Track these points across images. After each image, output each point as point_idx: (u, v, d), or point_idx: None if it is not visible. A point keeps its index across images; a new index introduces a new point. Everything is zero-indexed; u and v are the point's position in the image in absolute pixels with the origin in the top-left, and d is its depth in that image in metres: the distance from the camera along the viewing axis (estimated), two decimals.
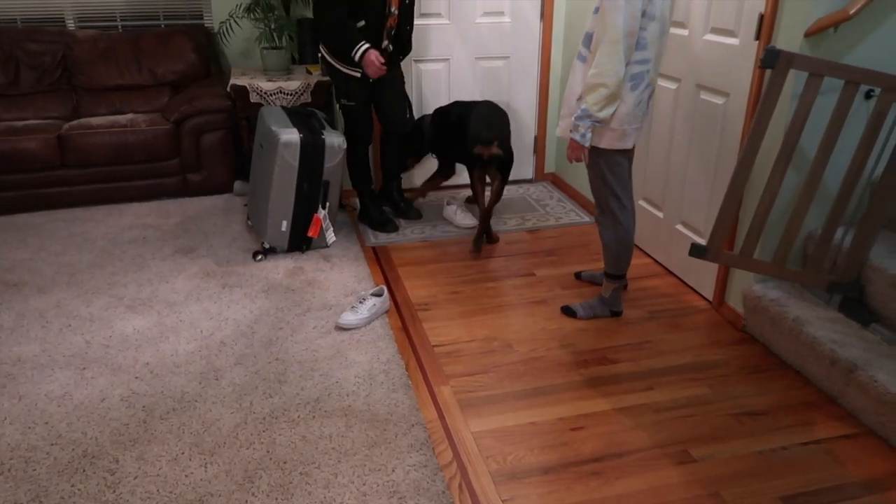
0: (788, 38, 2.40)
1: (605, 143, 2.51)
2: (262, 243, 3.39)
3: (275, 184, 3.24)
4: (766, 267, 2.47)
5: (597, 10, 2.39)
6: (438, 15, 3.97)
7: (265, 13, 4.21)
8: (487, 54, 4.13)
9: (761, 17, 2.50)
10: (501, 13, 4.07)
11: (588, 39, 2.45)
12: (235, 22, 4.35)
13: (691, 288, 3.11)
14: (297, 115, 3.40)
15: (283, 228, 3.34)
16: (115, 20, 4.67)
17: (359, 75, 3.39)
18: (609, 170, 2.58)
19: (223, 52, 4.76)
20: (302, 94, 4.12)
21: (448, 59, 4.09)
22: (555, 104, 4.34)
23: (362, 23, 3.29)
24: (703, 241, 2.96)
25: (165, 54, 4.43)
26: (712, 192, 2.91)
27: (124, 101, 4.37)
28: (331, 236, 3.31)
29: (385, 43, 3.44)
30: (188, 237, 3.64)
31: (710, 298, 2.97)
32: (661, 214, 3.30)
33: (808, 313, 2.47)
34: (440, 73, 4.10)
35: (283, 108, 3.54)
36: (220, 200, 4.16)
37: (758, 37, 2.53)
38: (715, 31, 2.78)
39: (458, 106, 3.66)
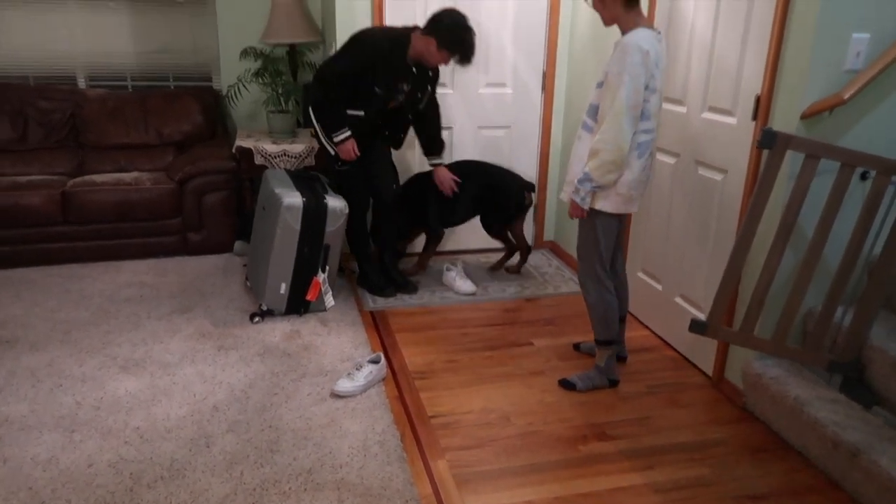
0: (784, 120, 2.46)
1: (611, 206, 2.56)
2: (260, 305, 3.38)
3: (276, 246, 3.25)
4: (766, 345, 2.46)
5: (600, 85, 2.49)
6: (443, 85, 4.06)
7: (273, 78, 4.31)
8: (489, 123, 4.22)
9: (758, 99, 2.57)
10: (504, 84, 4.17)
11: (593, 110, 2.54)
12: (244, 85, 4.45)
13: (690, 362, 3.09)
14: (301, 179, 3.44)
15: (282, 291, 3.34)
16: (126, 80, 4.78)
17: (332, 153, 3.44)
18: (603, 233, 2.63)
19: (230, 114, 4.86)
20: (306, 157, 4.18)
21: (451, 128, 4.16)
22: (554, 173, 4.40)
23: (360, 113, 3.38)
24: (702, 316, 2.96)
25: (172, 115, 4.51)
26: (710, 266, 2.92)
27: (129, 159, 4.43)
28: (329, 300, 3.30)
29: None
30: (185, 297, 3.62)
31: (710, 373, 2.94)
32: (659, 286, 3.31)
33: (809, 393, 2.44)
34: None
35: (287, 171, 3.58)
36: (219, 260, 4.16)
37: (755, 117, 2.59)
38: (713, 109, 2.85)
39: (454, 168, 3.78)
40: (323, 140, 3.49)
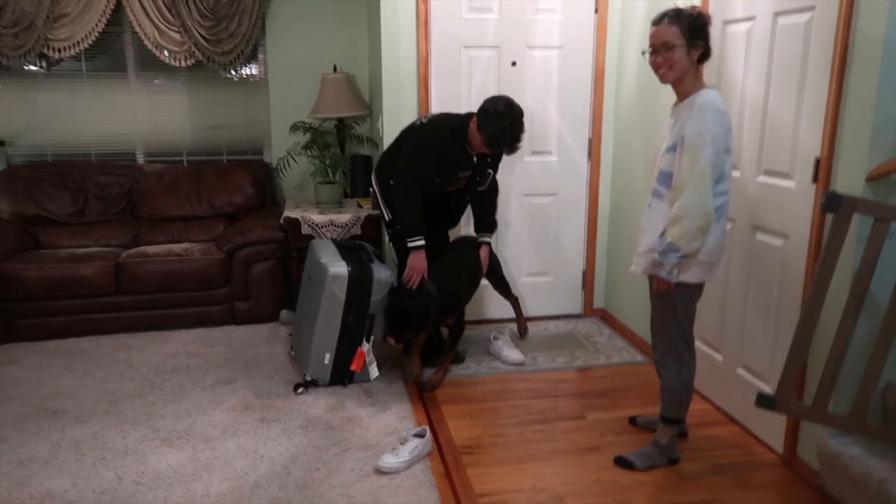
0: (847, 182, 2.35)
1: (693, 276, 2.43)
2: (304, 376, 3.32)
3: (321, 316, 3.22)
4: (843, 422, 2.27)
5: (672, 149, 2.39)
6: None
7: (321, 150, 4.40)
8: (535, 191, 4.19)
9: (818, 162, 2.47)
10: (549, 152, 4.16)
11: (665, 177, 2.43)
12: (293, 158, 4.55)
13: (757, 438, 2.88)
14: (347, 249, 3.44)
15: (326, 361, 3.28)
16: (182, 155, 4.95)
17: (388, 218, 3.44)
18: (682, 306, 2.49)
19: (279, 186, 4.96)
20: (352, 226, 4.20)
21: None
22: (602, 239, 4.31)
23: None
24: (768, 389, 2.78)
25: (224, 187, 4.63)
26: (775, 336, 2.76)
27: (182, 230, 4.53)
28: (374, 371, 3.22)
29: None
30: (230, 367, 3.60)
31: (780, 451, 2.73)
32: (719, 357, 3.14)
33: (894, 475, 2.23)
34: None
35: (334, 240, 3.59)
36: (265, 329, 4.15)
37: (815, 180, 2.49)
38: (769, 172, 2.76)
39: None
40: (380, 202, 3.48)
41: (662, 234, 2.40)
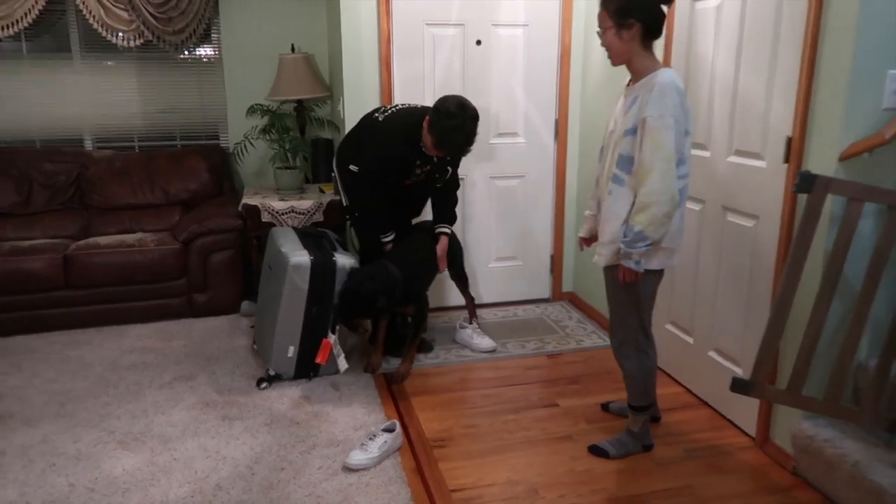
0: (820, 162, 2.30)
1: (656, 263, 2.35)
2: (267, 370, 3.20)
3: (282, 307, 3.09)
4: (818, 405, 2.25)
5: (631, 132, 2.27)
6: None
7: (280, 134, 4.23)
8: (502, 173, 4.10)
9: (789, 141, 2.42)
10: (515, 133, 4.07)
11: (625, 162, 2.30)
12: (250, 142, 4.38)
13: (730, 421, 2.86)
14: (309, 236, 3.31)
15: (290, 354, 3.16)
16: (133, 140, 4.73)
17: (346, 204, 3.36)
18: (645, 293, 2.43)
19: (237, 172, 4.78)
20: (314, 213, 4.07)
21: (463, 178, 4.04)
22: (570, 222, 4.25)
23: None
24: (740, 372, 2.75)
25: (178, 174, 4.44)
26: (746, 318, 2.73)
27: (135, 219, 4.33)
28: (342, 363, 3.11)
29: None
30: (190, 362, 3.45)
31: (753, 434, 2.72)
32: (690, 340, 3.11)
33: (868, 456, 2.22)
34: None
35: (295, 228, 3.45)
36: (225, 322, 4.00)
37: (787, 160, 2.45)
38: (739, 153, 2.71)
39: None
40: (340, 188, 3.38)
41: (626, 221, 2.30)
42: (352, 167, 3.24)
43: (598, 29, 2.31)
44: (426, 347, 3.59)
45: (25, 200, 4.23)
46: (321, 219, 4.07)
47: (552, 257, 4.29)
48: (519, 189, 4.14)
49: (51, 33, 4.49)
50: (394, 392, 3.17)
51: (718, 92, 2.80)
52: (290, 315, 3.10)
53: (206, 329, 3.90)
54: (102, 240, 3.97)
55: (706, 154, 2.91)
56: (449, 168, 3.32)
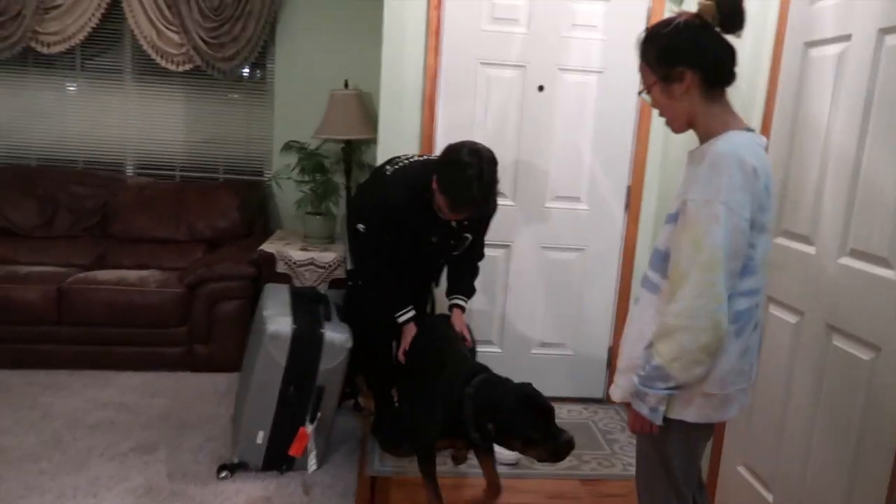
0: None
1: (694, 415, 1.58)
2: (233, 456, 2.66)
3: (254, 384, 2.56)
4: None
5: (673, 219, 1.58)
6: (502, 195, 3.35)
7: (311, 174, 3.79)
8: (557, 244, 3.44)
9: None
10: (577, 198, 3.41)
11: (660, 259, 1.61)
12: (276, 183, 3.95)
13: None
14: (303, 299, 2.78)
15: (259, 440, 2.62)
16: (175, 170, 4.46)
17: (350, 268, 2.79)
18: (680, 454, 1.66)
19: (279, 213, 4.39)
20: (335, 267, 3.57)
21: (509, 245, 3.42)
22: None
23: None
24: None
25: (207, 209, 4.09)
26: (852, 486, 1.92)
27: (153, 254, 3.99)
28: (312, 463, 2.53)
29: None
30: (159, 428, 2.98)
31: None
32: (769, 497, 2.30)
33: None
34: (497, 261, 3.43)
35: (293, 287, 2.94)
36: (224, 380, 3.52)
37: None
38: (857, 255, 1.94)
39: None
40: (348, 248, 2.89)
41: (649, 345, 1.57)
42: (359, 226, 2.71)
43: (640, 89, 1.63)
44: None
45: (47, 223, 4.00)
46: (342, 275, 3.56)
47: (610, 350, 3.54)
48: (576, 264, 3.46)
49: (105, 52, 4.33)
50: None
51: (833, 169, 2.05)
52: (262, 394, 2.57)
53: (198, 387, 3.43)
54: (102, 274, 3.62)
55: (810, 251, 2.15)
56: (468, 235, 2.71)
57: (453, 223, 2.57)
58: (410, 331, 2.68)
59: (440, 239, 2.65)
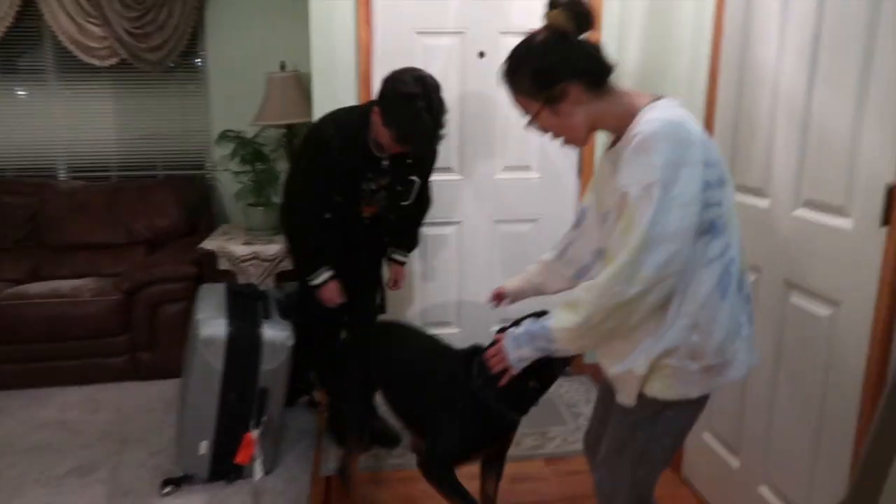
0: None
1: (699, 389, 1.46)
2: (175, 470, 2.50)
3: (191, 392, 2.40)
4: None
5: (603, 218, 1.51)
6: (448, 170, 3.21)
7: (251, 163, 3.59)
8: (509, 216, 3.30)
9: (890, 191, 1.53)
10: (527, 167, 3.26)
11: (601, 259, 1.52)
12: (229, 171, 3.74)
13: None
14: (240, 298, 2.61)
15: (202, 451, 2.46)
16: (110, 170, 4.22)
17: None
18: (674, 433, 1.55)
19: (225, 208, 4.19)
20: (281, 260, 3.38)
21: (460, 222, 3.27)
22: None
23: (328, 215, 2.55)
24: None
25: (145, 208, 3.87)
26: (816, 449, 1.82)
27: (92, 261, 3.78)
28: (257, 470, 2.37)
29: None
30: (101, 446, 2.80)
31: None
32: (735, 463, 2.20)
33: None
34: (449, 239, 3.28)
35: (229, 285, 2.76)
36: (171, 388, 3.32)
37: (886, 221, 1.55)
38: (812, 205, 1.82)
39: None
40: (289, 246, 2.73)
41: (541, 315, 1.55)
42: (293, 203, 2.55)
43: (527, 122, 1.51)
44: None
45: None
46: (289, 267, 3.38)
47: None
48: (531, 236, 3.32)
49: (24, 53, 4.06)
50: None
51: (783, 115, 1.92)
52: (201, 402, 2.40)
53: (144, 397, 3.25)
54: (34, 287, 3.40)
55: (763, 204, 2.02)
56: (415, 178, 2.57)
57: (384, 163, 2.45)
58: (328, 291, 2.55)
59: (387, 185, 2.51)
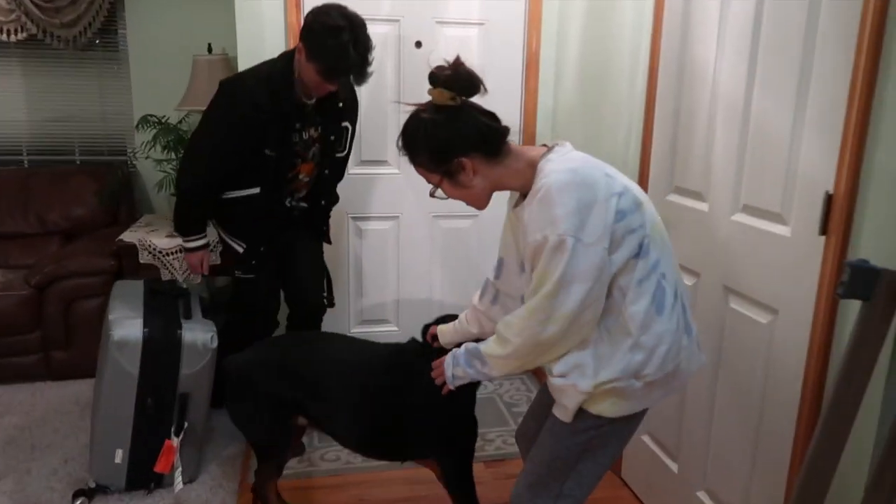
0: (882, 238, 1.40)
1: (640, 403, 1.46)
2: (88, 481, 2.33)
3: (104, 397, 2.23)
4: None
5: (521, 268, 1.50)
6: (385, 163, 3.10)
7: (174, 149, 3.38)
8: (448, 211, 3.21)
9: (829, 199, 1.52)
10: None
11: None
12: (150, 158, 3.51)
13: None
14: (158, 297, 2.45)
15: (118, 460, 2.30)
16: (21, 154, 3.93)
17: (241, 249, 2.50)
18: (615, 445, 1.53)
19: (148, 198, 3.96)
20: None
21: (397, 217, 3.18)
22: None
23: (256, 190, 2.42)
24: None
25: (60, 196, 3.62)
26: (754, 457, 1.82)
27: (0, 252, 3.50)
28: (178, 481, 2.23)
29: (292, 203, 2.57)
30: (8, 454, 2.59)
31: None
32: (674, 467, 2.19)
33: None
34: (387, 234, 3.19)
35: (147, 282, 2.59)
36: (88, 388, 3.11)
37: (824, 230, 1.54)
38: (750, 211, 1.81)
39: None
40: (226, 238, 2.58)
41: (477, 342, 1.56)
42: (194, 161, 2.48)
43: (431, 189, 1.52)
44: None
45: None
46: (217, 260, 3.20)
47: None
48: (471, 231, 3.26)
49: None
50: None
51: (722, 116, 1.90)
52: (115, 409, 2.24)
53: (59, 398, 3.04)
54: None
55: (703, 207, 2.01)
56: (346, 125, 2.52)
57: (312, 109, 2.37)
58: (194, 257, 2.61)
59: (319, 138, 2.44)
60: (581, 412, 1.43)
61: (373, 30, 2.91)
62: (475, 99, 1.47)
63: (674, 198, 2.14)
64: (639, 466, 2.41)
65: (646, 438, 2.36)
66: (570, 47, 2.98)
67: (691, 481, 2.09)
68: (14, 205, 3.56)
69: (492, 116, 1.46)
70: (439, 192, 1.51)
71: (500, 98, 3.08)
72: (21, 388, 3.12)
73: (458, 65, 1.40)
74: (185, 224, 2.55)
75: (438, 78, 1.40)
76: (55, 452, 2.61)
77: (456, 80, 1.39)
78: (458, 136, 1.42)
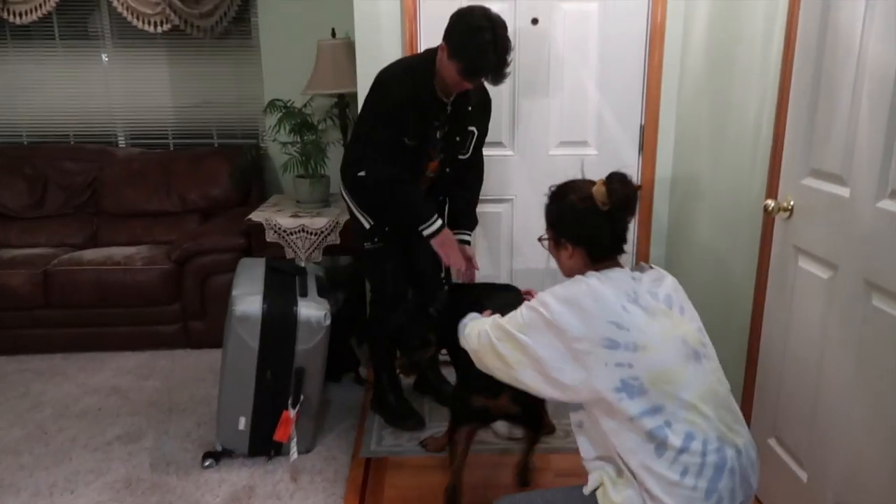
0: None
1: None
2: (216, 444, 2.51)
3: (228, 368, 2.38)
4: None
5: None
6: (500, 144, 3.06)
7: (298, 133, 3.52)
8: None
9: None
10: (584, 143, 3.08)
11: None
12: (277, 141, 3.68)
13: None
14: (278, 275, 2.57)
15: (242, 427, 2.45)
16: (168, 138, 4.26)
17: (367, 226, 2.55)
18: None
19: (277, 177, 4.17)
20: (328, 233, 3.33)
21: (512, 199, 3.13)
22: (657, 261, 3.19)
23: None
24: None
25: (197, 178, 3.90)
26: None
27: (147, 229, 3.84)
28: (293, 451, 2.35)
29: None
30: (148, 414, 2.85)
31: None
32: (803, 476, 2.02)
33: None
34: (501, 217, 3.15)
35: (269, 260, 2.71)
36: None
37: None
38: None
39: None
40: (353, 207, 2.63)
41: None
42: (360, 173, 2.47)
43: (542, 235, 1.72)
44: (413, 422, 2.72)
45: (38, 202, 3.87)
46: (337, 241, 3.33)
47: None
48: None
49: (82, 19, 4.11)
50: (368, 489, 2.36)
51: (868, 89, 1.69)
52: (238, 379, 2.39)
53: (195, 366, 3.30)
54: (89, 254, 3.48)
55: (843, 193, 1.80)
56: (473, 129, 2.52)
57: (449, 107, 2.41)
58: (450, 238, 2.45)
59: (446, 134, 2.47)
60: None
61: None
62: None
63: (809, 181, 1.95)
64: (763, 472, 2.23)
65: (772, 442, 2.19)
66: (697, 18, 2.77)
67: (824, 495, 1.91)
68: (160, 185, 3.87)
69: (619, 238, 1.58)
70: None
71: (620, 76, 2.97)
72: (163, 354, 3.42)
73: (632, 187, 1.55)
74: (416, 214, 2.44)
75: (612, 181, 1.52)
76: (190, 416, 2.84)
77: (619, 194, 1.51)
78: (579, 229, 1.58)
